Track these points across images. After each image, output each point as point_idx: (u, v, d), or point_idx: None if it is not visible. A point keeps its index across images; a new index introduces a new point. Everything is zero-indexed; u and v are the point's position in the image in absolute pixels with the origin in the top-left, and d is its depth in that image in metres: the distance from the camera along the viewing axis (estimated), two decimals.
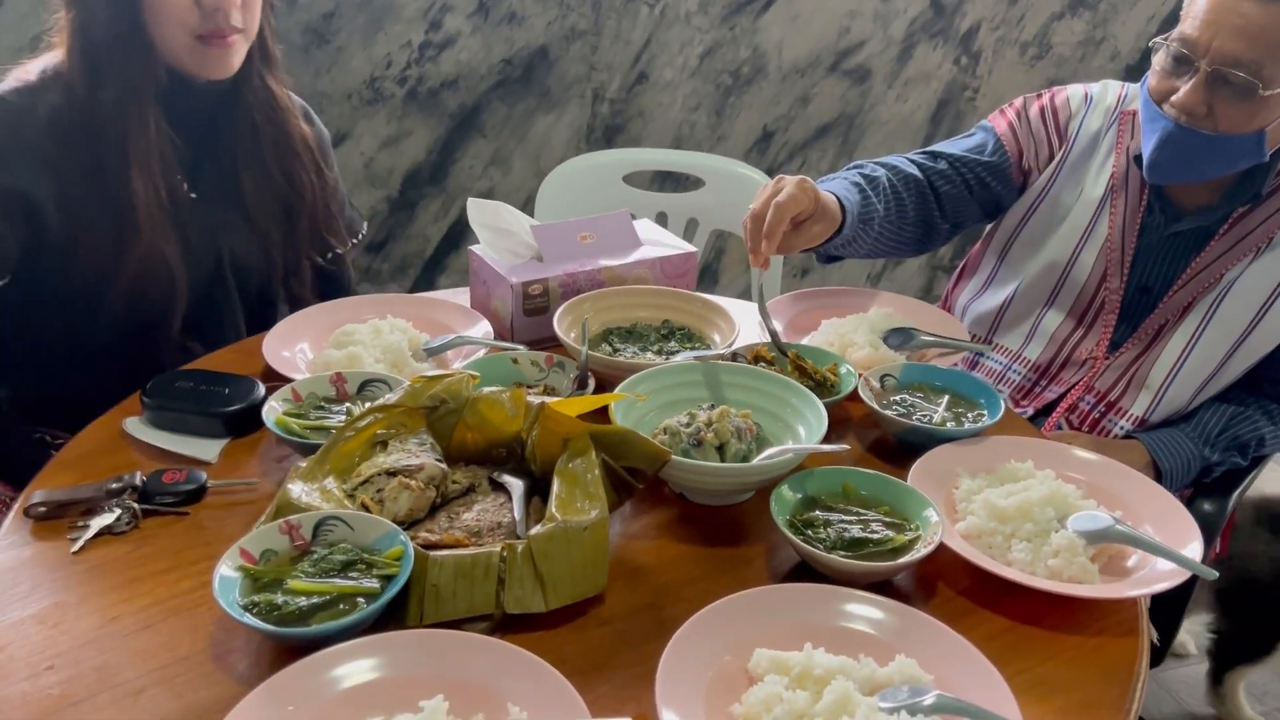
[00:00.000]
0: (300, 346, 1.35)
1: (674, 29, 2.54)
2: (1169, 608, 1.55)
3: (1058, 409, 1.58)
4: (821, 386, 1.27)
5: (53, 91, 1.33)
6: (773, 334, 1.34)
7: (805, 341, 1.41)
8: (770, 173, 2.81)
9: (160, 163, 1.35)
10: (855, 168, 1.61)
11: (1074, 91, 1.62)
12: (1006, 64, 2.88)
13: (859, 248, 1.55)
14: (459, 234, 2.61)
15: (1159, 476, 1.47)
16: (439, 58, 2.41)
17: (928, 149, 1.66)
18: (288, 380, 1.22)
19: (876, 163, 1.61)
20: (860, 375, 1.29)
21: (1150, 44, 1.40)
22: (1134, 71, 3.02)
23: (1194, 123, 1.35)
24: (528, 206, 2.54)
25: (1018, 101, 1.65)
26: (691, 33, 2.56)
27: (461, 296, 1.53)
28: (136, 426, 1.20)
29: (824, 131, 2.80)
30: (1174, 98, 1.36)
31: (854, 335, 1.42)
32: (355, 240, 1.70)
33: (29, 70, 1.36)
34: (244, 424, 1.20)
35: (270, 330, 1.36)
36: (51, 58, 1.36)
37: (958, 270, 1.76)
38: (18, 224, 1.32)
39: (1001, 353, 1.66)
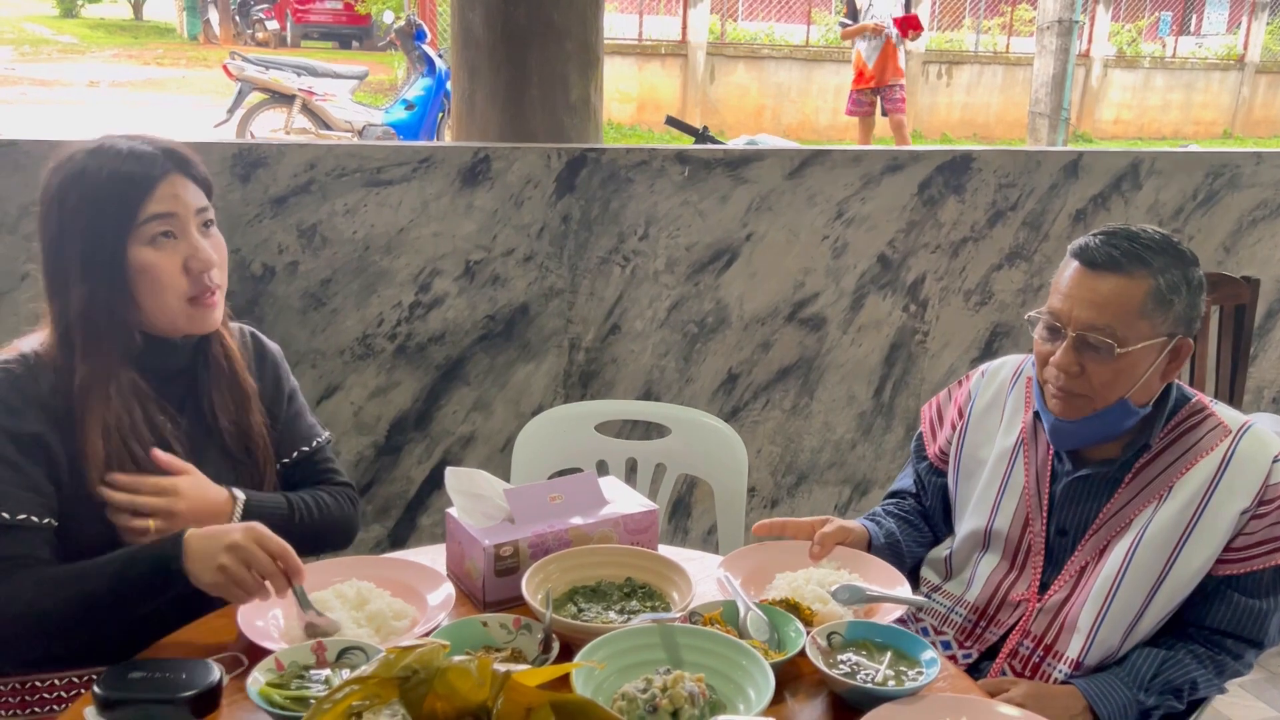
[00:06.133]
0: (273, 614, 1.43)
1: (644, 286, 2.78)
2: None
3: (1000, 654, 1.67)
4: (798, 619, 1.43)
5: (42, 367, 1.49)
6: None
7: (764, 597, 1.52)
8: (735, 411, 3.00)
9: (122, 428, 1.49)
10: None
11: (976, 374, 1.87)
12: (952, 310, 3.12)
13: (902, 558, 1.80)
14: (440, 475, 2.73)
15: None
16: (427, 316, 2.61)
17: (893, 492, 1.96)
18: (248, 650, 1.31)
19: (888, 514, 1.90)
20: (809, 633, 1.38)
21: (1027, 317, 1.64)
22: None
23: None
24: (507, 449, 2.69)
25: (941, 394, 1.91)
26: (660, 289, 2.80)
27: (438, 553, 1.64)
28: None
29: (785, 373, 2.99)
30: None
31: (805, 590, 1.53)
32: (309, 447, 1.76)
33: (19, 345, 1.52)
34: (206, 707, 1.25)
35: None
36: (37, 338, 1.52)
37: None
38: (45, 468, 1.45)
39: (946, 597, 1.77)
